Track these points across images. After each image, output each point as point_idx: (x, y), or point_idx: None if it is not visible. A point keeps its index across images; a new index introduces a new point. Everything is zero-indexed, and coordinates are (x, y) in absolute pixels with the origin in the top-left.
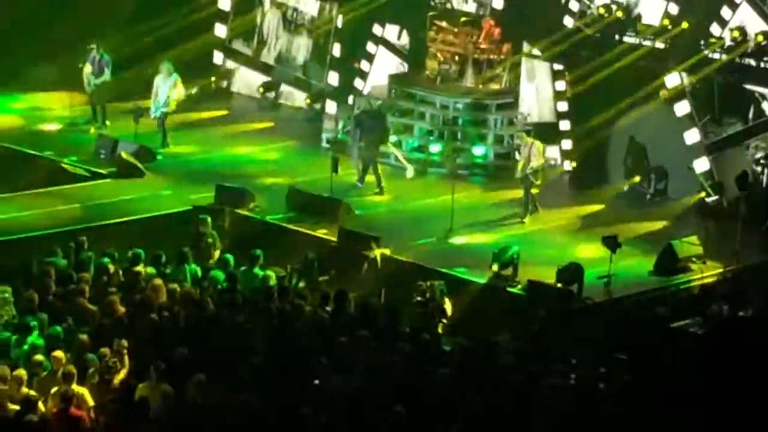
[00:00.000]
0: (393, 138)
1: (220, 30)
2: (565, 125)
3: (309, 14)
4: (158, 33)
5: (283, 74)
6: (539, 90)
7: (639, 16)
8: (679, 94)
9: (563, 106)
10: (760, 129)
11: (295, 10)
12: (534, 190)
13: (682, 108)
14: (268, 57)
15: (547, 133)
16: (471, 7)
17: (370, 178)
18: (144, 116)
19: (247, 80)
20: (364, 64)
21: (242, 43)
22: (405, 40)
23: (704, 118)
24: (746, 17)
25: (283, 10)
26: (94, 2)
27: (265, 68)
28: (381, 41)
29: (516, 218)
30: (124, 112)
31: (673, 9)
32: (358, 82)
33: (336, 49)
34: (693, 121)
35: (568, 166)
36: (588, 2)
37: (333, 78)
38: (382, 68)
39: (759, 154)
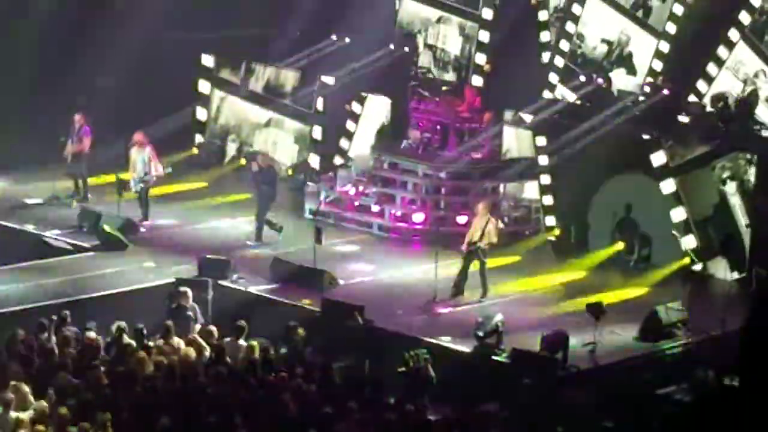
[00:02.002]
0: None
1: (207, 60)
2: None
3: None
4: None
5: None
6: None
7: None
8: (665, 173)
9: (546, 179)
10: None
11: None
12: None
13: (668, 187)
14: (256, 86)
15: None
16: (452, 76)
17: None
18: (126, 189)
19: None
20: (349, 124)
21: (230, 73)
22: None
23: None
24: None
25: None
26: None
27: (253, 97)
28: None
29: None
30: (106, 185)
31: (657, 65)
32: (343, 142)
33: (317, 132)
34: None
35: (552, 238)
36: (578, 43)
37: (314, 160)
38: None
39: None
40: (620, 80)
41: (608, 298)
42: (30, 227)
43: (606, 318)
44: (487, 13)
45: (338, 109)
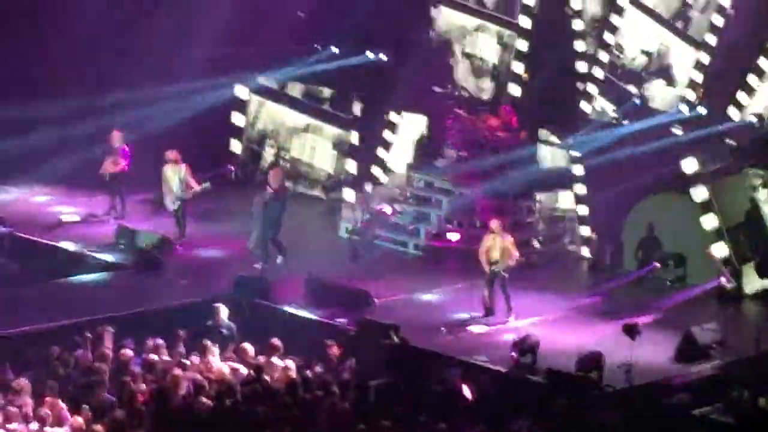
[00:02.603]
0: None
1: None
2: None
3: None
4: None
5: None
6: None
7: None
8: (696, 179)
9: (581, 189)
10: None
11: None
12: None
13: (700, 194)
14: (294, 91)
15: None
16: (489, 85)
17: None
18: (162, 207)
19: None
20: (380, 151)
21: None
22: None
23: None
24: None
25: None
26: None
27: (291, 102)
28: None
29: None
30: (142, 202)
31: (696, 77)
32: (375, 170)
33: (354, 138)
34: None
35: (587, 252)
36: (618, 54)
37: (351, 165)
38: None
39: None
40: (659, 91)
41: (644, 318)
42: (67, 244)
43: (641, 338)
44: (525, 21)
45: (376, 120)
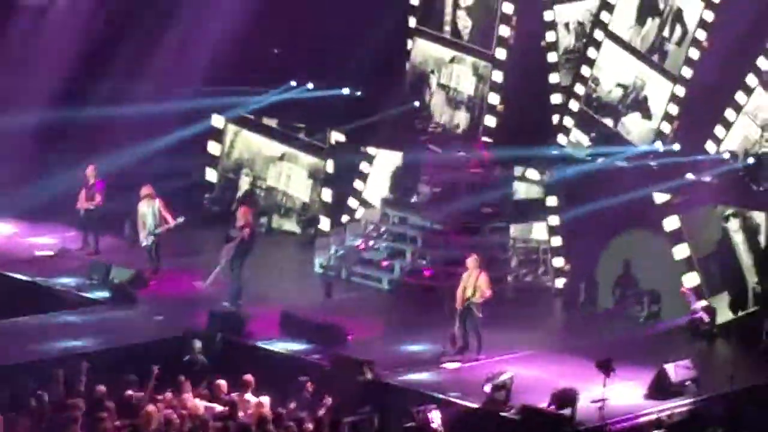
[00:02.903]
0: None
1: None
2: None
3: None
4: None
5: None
6: None
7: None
8: (668, 210)
9: (554, 220)
10: None
11: None
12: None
13: (671, 223)
14: (270, 120)
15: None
16: (465, 116)
17: None
18: (136, 242)
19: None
20: (357, 183)
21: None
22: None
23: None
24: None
25: None
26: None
27: (267, 131)
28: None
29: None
30: (116, 238)
31: (673, 110)
32: (351, 201)
33: (329, 166)
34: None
35: (560, 284)
36: (593, 87)
37: (327, 194)
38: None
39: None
40: (635, 124)
41: (617, 354)
42: (40, 279)
43: (615, 375)
44: (501, 53)
45: (353, 151)
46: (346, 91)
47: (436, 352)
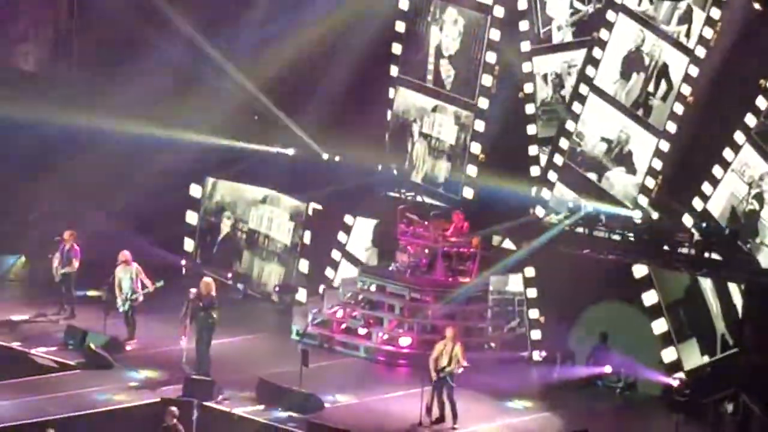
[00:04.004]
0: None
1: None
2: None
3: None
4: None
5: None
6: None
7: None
8: (646, 284)
9: (531, 272)
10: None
11: None
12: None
13: (640, 270)
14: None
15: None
16: (446, 165)
17: None
18: (112, 308)
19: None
20: (334, 254)
21: None
22: None
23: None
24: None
25: None
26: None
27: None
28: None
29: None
30: (92, 303)
31: (657, 164)
32: (328, 272)
33: (306, 237)
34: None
35: (538, 356)
36: (578, 141)
37: (303, 265)
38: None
39: None
40: (619, 179)
41: (594, 426)
42: (16, 344)
43: None
44: (483, 103)
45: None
46: (325, 156)
47: (412, 421)
